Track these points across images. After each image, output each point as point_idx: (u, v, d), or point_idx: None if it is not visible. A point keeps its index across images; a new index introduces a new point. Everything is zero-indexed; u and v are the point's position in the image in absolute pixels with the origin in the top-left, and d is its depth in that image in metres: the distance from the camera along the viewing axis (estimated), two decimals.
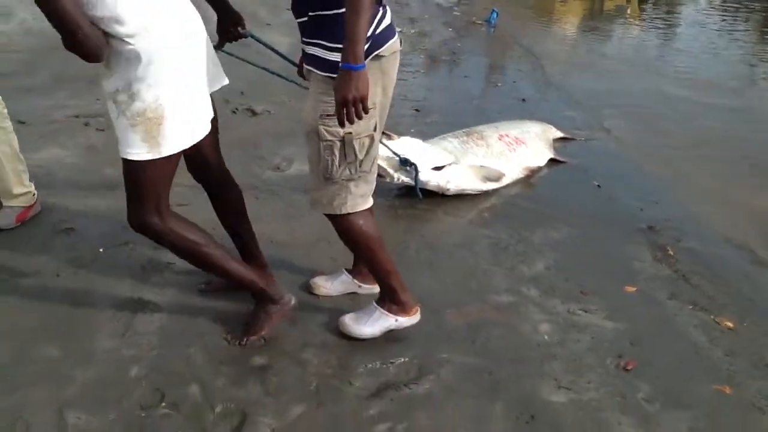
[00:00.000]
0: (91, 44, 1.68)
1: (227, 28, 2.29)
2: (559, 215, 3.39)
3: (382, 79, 1.99)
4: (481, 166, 3.58)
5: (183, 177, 2.22)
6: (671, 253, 3.11)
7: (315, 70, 1.96)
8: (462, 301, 2.59)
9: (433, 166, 3.39)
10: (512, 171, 3.74)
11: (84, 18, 1.65)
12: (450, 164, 3.46)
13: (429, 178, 3.37)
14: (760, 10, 11.47)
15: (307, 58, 1.99)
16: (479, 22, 8.52)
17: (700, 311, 2.67)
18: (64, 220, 2.86)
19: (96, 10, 1.70)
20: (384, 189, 3.48)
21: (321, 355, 2.22)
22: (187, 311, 2.35)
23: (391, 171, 3.28)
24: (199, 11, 1.98)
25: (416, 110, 4.92)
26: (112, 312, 2.33)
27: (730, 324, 2.60)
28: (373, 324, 2.27)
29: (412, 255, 2.91)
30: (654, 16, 10.50)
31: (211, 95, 2.06)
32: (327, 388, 2.08)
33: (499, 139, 3.87)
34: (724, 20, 10.37)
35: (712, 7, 11.26)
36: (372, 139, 1.99)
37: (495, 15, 8.45)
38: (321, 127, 1.94)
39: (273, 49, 2.57)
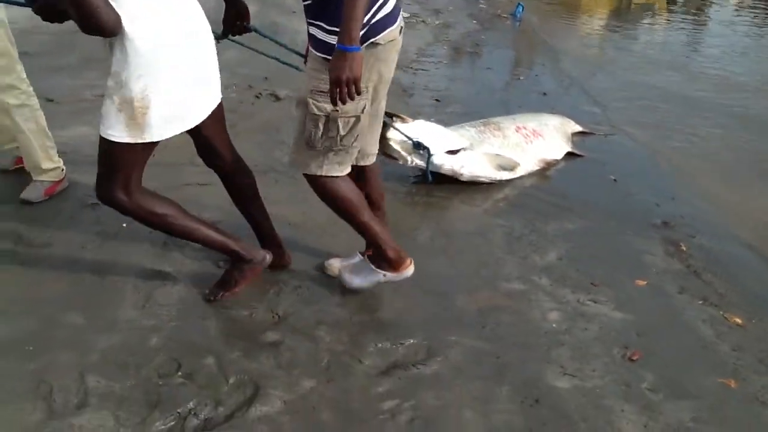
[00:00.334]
0: (111, 15, 1.77)
1: (232, 21, 2.36)
2: (573, 207, 3.41)
3: (377, 65, 2.06)
4: (496, 154, 3.60)
5: None
6: (684, 248, 3.12)
7: (313, 50, 2.06)
8: (474, 287, 2.64)
9: (447, 150, 3.41)
10: (528, 162, 3.76)
11: None
12: (464, 149, 3.48)
13: (443, 161, 3.40)
14: None
15: (309, 37, 2.09)
16: (504, 15, 8.48)
17: (710, 306, 2.68)
18: (90, 195, 2.90)
19: None
20: (401, 175, 3.54)
21: (333, 333, 2.28)
22: (205, 285, 2.42)
23: (404, 154, 3.31)
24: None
25: (437, 100, 4.94)
26: (134, 283, 2.42)
27: (738, 320, 2.61)
28: (364, 278, 2.42)
29: (426, 241, 2.96)
30: (681, 13, 10.35)
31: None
32: (338, 364, 2.15)
33: (516, 131, 3.88)
34: (755, 17, 10.20)
35: (741, 7, 11.07)
36: (358, 119, 2.07)
37: (521, 8, 8.40)
38: (311, 101, 2.04)
39: (278, 42, 2.76)
